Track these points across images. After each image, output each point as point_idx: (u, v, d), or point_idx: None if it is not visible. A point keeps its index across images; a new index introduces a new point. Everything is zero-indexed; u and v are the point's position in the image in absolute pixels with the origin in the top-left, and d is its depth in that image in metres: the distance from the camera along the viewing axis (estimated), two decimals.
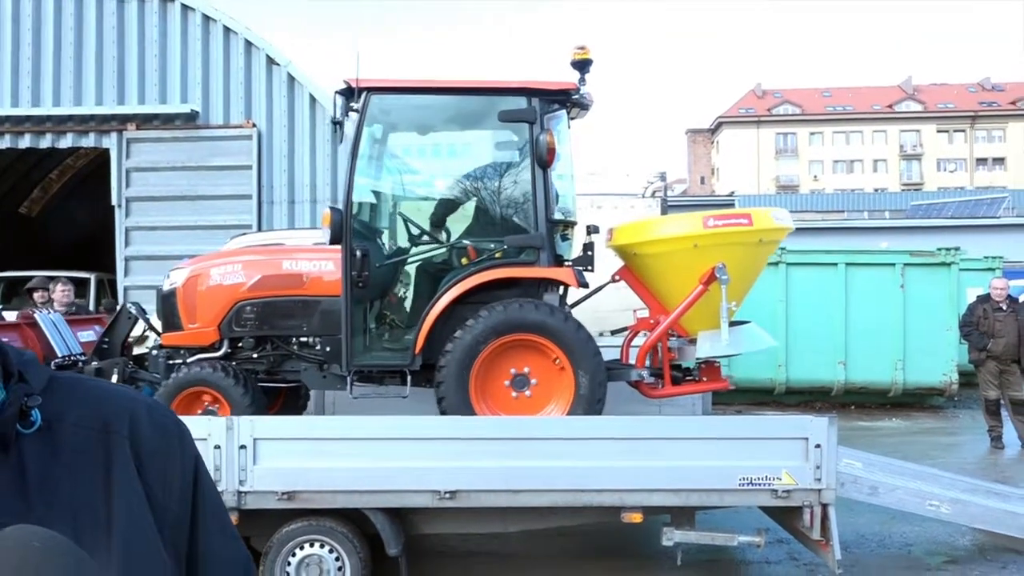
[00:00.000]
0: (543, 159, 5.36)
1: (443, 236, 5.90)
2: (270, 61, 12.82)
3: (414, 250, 5.85)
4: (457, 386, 5.24)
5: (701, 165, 79.93)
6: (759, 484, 4.83)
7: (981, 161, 75.04)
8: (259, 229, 12.20)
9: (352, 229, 5.36)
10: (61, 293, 8.26)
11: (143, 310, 6.37)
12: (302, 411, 6.49)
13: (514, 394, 5.42)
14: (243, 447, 4.78)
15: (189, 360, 5.71)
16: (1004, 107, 75.10)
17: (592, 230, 5.89)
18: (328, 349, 5.58)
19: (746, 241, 5.61)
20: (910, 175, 74.72)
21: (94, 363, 6.11)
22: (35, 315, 6.64)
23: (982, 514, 5.49)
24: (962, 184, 68.21)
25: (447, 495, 4.81)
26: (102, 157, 13.75)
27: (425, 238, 5.84)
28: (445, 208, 6.04)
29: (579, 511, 5.08)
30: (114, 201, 12.80)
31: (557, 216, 5.61)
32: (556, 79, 5.61)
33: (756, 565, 5.97)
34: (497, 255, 5.54)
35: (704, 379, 5.95)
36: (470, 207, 6.05)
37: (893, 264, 11.87)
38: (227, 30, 12.87)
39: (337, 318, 5.45)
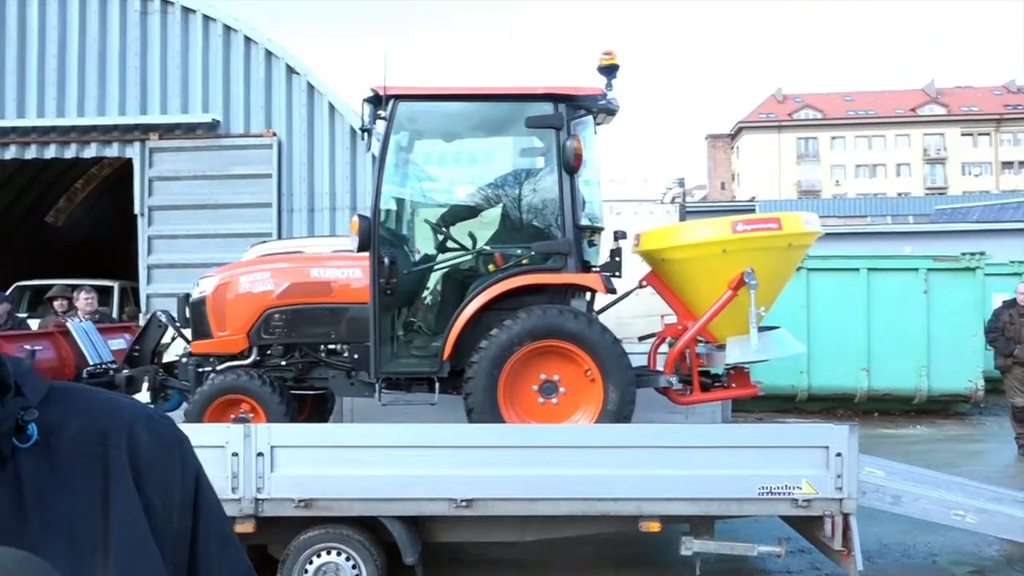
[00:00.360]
0: (570, 165, 5.37)
1: (470, 243, 5.91)
2: (290, 70, 12.93)
3: (441, 257, 5.87)
4: (486, 391, 5.24)
5: (721, 171, 79.54)
6: (779, 493, 4.77)
7: (1007, 164, 74.01)
8: (279, 237, 12.29)
9: (380, 236, 5.40)
10: (84, 301, 8.34)
11: (173, 318, 6.42)
12: (328, 418, 6.52)
13: (541, 400, 5.42)
14: (260, 454, 4.80)
15: (219, 368, 5.75)
16: None
17: (620, 236, 5.87)
18: (356, 356, 5.61)
19: (775, 246, 5.58)
20: (934, 179, 73.87)
21: (125, 371, 6.17)
22: (67, 323, 6.71)
23: (1009, 524, 5.38)
24: (987, 188, 67.30)
25: (464, 503, 4.80)
26: (126, 167, 13.92)
27: (452, 245, 5.86)
28: (472, 215, 6.05)
29: (596, 520, 5.05)
30: (137, 210, 12.95)
31: (584, 222, 5.61)
32: (583, 84, 5.61)
33: (777, 574, 5.90)
34: (524, 261, 5.55)
35: (733, 385, 5.90)
36: (497, 213, 6.06)
37: (916, 269, 11.72)
38: (248, 40, 13.00)
39: (365, 325, 5.48)
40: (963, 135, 74.47)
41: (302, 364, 5.80)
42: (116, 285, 14.44)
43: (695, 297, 5.72)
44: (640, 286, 5.94)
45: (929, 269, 11.65)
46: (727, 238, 5.48)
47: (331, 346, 5.77)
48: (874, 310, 11.61)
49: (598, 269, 5.74)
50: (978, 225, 26.95)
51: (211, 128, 12.93)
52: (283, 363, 5.76)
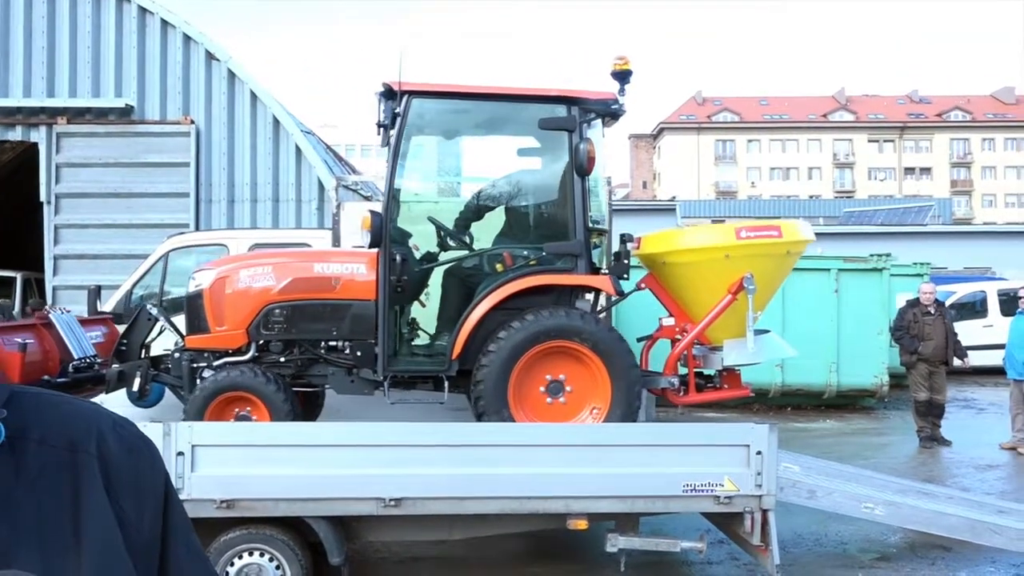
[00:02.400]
0: (583, 167, 5.37)
1: (479, 242, 5.88)
2: (209, 56, 12.54)
3: (450, 255, 5.83)
4: (496, 391, 5.23)
5: (643, 170, 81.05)
6: (702, 491, 4.88)
7: (909, 170, 77.92)
8: (197, 229, 11.92)
9: (391, 233, 5.33)
10: None
11: (164, 311, 6.17)
12: (317, 417, 6.37)
13: (549, 400, 5.44)
14: (180, 454, 4.64)
15: (215, 364, 5.57)
16: (931, 119, 78.16)
17: (627, 239, 5.89)
18: (359, 354, 5.50)
19: (774, 252, 5.77)
20: (843, 183, 77.14)
21: (115, 366, 5.88)
22: (50, 315, 6.26)
23: (913, 515, 5.67)
24: (891, 192, 70.66)
25: (392, 503, 4.75)
26: (30, 151, 13.23)
27: (461, 243, 5.83)
28: (482, 214, 6.02)
29: (525, 518, 5.07)
30: (42, 197, 12.34)
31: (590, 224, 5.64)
32: (594, 88, 5.63)
33: (698, 566, 6.06)
34: (532, 262, 5.55)
35: (725, 386, 6.05)
36: (507, 213, 6.06)
37: (828, 270, 12.20)
38: (165, 23, 12.55)
39: (368, 323, 5.40)
40: (870, 141, 77.99)
41: (301, 361, 5.66)
42: (19, 276, 13.72)
43: (693, 300, 5.85)
44: (638, 288, 6.01)
45: (840, 269, 12.15)
46: (731, 244, 5.64)
47: (332, 343, 5.64)
48: (789, 309, 12.03)
49: (606, 271, 5.77)
50: (883, 228, 28.26)
51: (124, 114, 12.42)
52: (282, 359, 5.60)
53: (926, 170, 77.52)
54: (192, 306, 5.73)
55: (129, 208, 12.26)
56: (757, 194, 72.06)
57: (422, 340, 5.77)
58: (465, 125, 6.22)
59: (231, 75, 12.55)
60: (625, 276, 5.80)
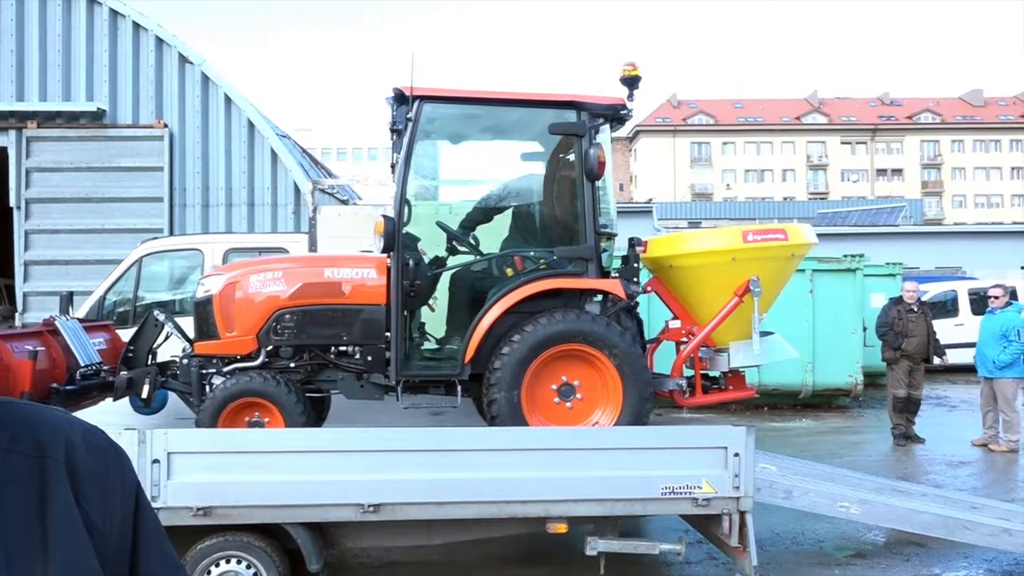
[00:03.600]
0: (593, 172, 5.42)
1: (489, 246, 5.90)
2: (183, 59, 12.42)
3: (461, 260, 5.84)
4: (510, 395, 5.24)
5: (620, 172, 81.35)
6: (681, 493, 4.91)
7: (881, 172, 78.94)
8: (171, 233, 11.80)
9: (403, 238, 5.33)
10: None
11: (171, 317, 6.09)
12: (323, 422, 6.33)
13: (565, 404, 5.47)
14: (156, 461, 4.58)
15: (225, 370, 5.52)
16: (902, 121, 79.28)
17: (636, 243, 5.92)
18: (370, 359, 5.49)
19: (780, 255, 5.84)
20: (816, 185, 77.97)
21: (123, 372, 5.81)
22: (56, 322, 6.15)
23: (888, 513, 5.73)
24: (864, 194, 71.56)
25: (371, 508, 4.72)
26: None
27: (472, 247, 5.84)
28: (491, 217, 6.04)
29: (504, 522, 5.06)
30: (12, 202, 12.16)
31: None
32: (604, 94, 5.67)
33: (677, 566, 6.09)
34: (542, 265, 5.56)
35: (731, 388, 6.12)
36: (517, 218, 6.06)
37: (803, 270, 12.30)
38: (136, 26, 12.41)
39: (379, 327, 5.41)
40: (843, 143, 78.93)
41: (311, 366, 5.63)
42: None
43: (699, 303, 5.90)
44: (643, 291, 6.04)
45: (815, 270, 12.27)
46: (738, 247, 5.70)
47: (342, 348, 5.61)
48: None
49: (616, 275, 5.79)
50: (856, 228, 28.59)
51: (96, 117, 12.28)
52: (292, 365, 5.57)
53: (898, 171, 78.58)
54: (201, 312, 5.68)
55: (101, 213, 12.10)
56: (732, 196, 72.68)
57: (432, 344, 5.78)
58: (475, 129, 6.25)
59: (205, 78, 12.44)
60: (635, 280, 5.85)
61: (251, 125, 12.45)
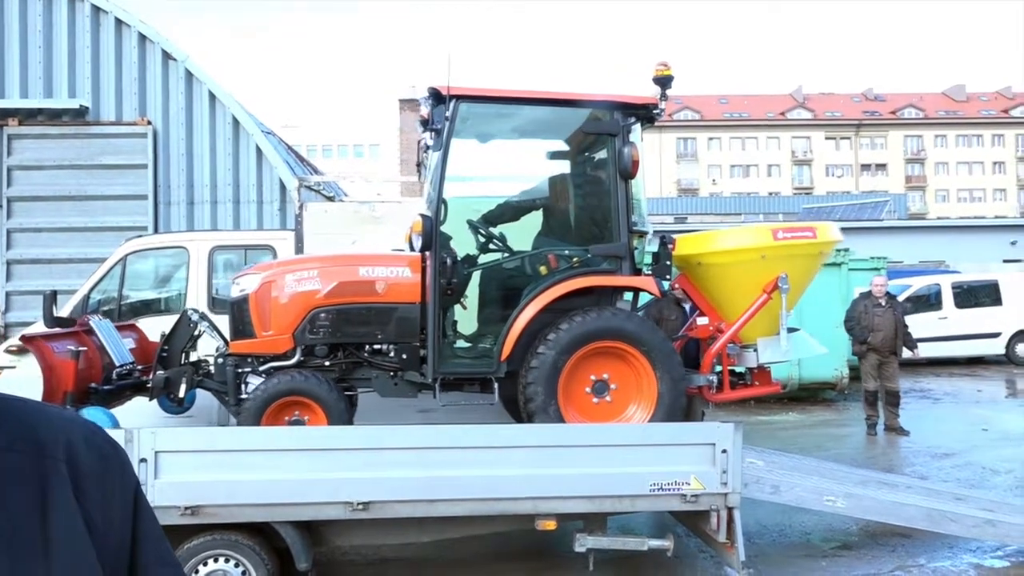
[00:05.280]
0: (627, 171, 5.48)
1: (523, 244, 5.92)
2: (166, 56, 12.32)
3: (496, 257, 5.86)
4: (547, 391, 5.27)
5: None
6: (669, 490, 4.93)
7: (865, 167, 79.43)
8: (155, 231, 11.71)
9: (441, 236, 5.35)
10: None
11: (204, 316, 6.07)
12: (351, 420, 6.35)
13: (596, 400, 5.50)
14: (144, 460, 4.57)
15: (261, 368, 5.54)
16: (885, 116, 79.76)
17: (667, 240, 5.95)
18: (405, 357, 5.51)
19: (808, 253, 5.92)
20: (801, 180, 78.37)
21: (160, 372, 5.80)
22: (90, 321, 6.10)
23: (873, 506, 5.79)
24: (848, 188, 72.03)
25: (360, 506, 4.72)
26: None
27: (506, 246, 5.86)
28: (527, 216, 6.07)
29: (494, 519, 5.08)
30: None
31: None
32: (637, 94, 5.72)
33: (666, 559, 6.12)
34: (575, 261, 5.60)
35: (756, 383, 6.20)
36: (549, 216, 6.09)
37: None
38: (119, 22, 12.30)
39: (413, 325, 5.44)
40: (827, 139, 79.35)
41: (345, 364, 5.64)
42: None
43: (727, 300, 5.96)
44: (672, 289, 6.06)
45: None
46: (768, 245, 5.77)
47: (376, 346, 5.62)
48: None
49: (649, 272, 5.83)
50: (841, 223, 28.65)
51: (79, 115, 12.16)
52: (327, 364, 5.58)
53: (881, 166, 79.10)
54: (237, 311, 5.67)
55: (85, 211, 11.99)
56: (718, 191, 72.93)
57: (465, 342, 5.80)
58: (509, 129, 6.29)
59: (189, 75, 12.34)
60: (667, 277, 5.92)
61: (236, 122, 12.37)
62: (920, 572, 5.81)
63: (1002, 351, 18.25)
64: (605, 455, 4.96)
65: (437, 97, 5.50)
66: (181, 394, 5.78)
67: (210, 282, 8.04)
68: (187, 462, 4.72)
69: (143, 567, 0.93)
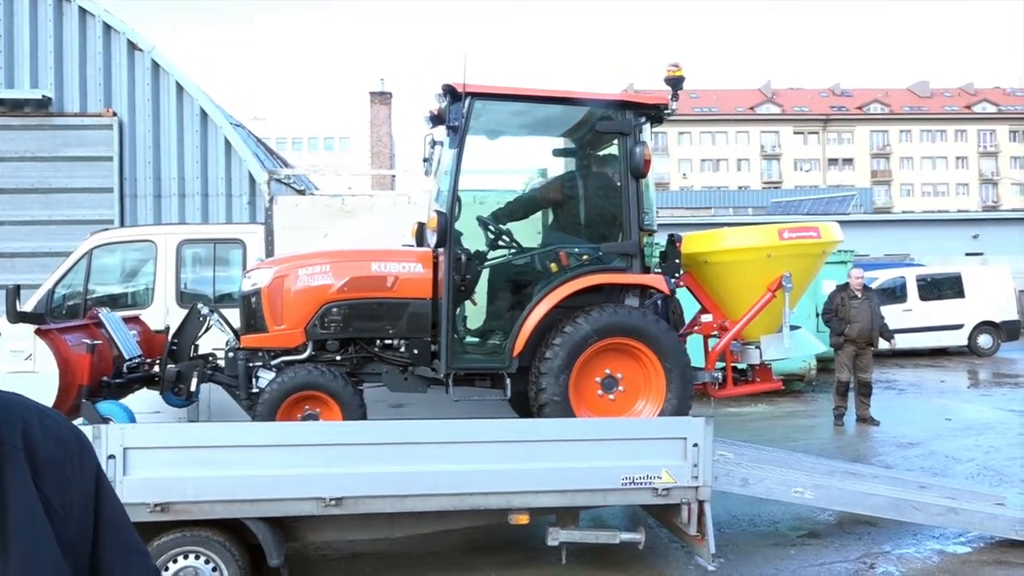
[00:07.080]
0: (639, 170, 5.53)
1: (535, 241, 5.95)
2: (132, 46, 12.11)
3: (507, 254, 5.87)
4: (559, 387, 5.30)
5: None
6: (641, 483, 4.97)
7: (832, 161, 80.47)
8: (122, 224, 11.53)
9: (455, 233, 5.36)
10: None
11: (215, 310, 6.01)
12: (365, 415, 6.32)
13: (610, 397, 5.52)
14: (112, 457, 4.51)
15: (273, 363, 5.52)
16: (852, 111, 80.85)
17: (676, 239, 5.99)
18: (416, 352, 5.53)
19: (812, 252, 6.03)
20: (770, 174, 79.20)
21: (171, 366, 5.77)
22: (99, 314, 6.05)
23: (840, 496, 5.89)
24: (816, 183, 72.90)
25: (332, 502, 4.70)
26: None
27: (517, 242, 5.87)
28: (530, 214, 6.11)
29: (467, 514, 5.09)
30: None
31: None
32: (648, 93, 5.76)
33: (638, 550, 6.17)
34: (584, 258, 5.63)
35: (758, 379, 6.29)
36: (559, 213, 6.12)
37: None
38: (83, 11, 12.06)
39: (424, 321, 5.47)
40: (795, 133, 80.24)
41: (356, 359, 5.63)
42: None
43: (731, 298, 6.04)
44: (676, 286, 6.11)
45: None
46: (773, 244, 5.87)
47: (387, 341, 5.62)
48: None
49: (659, 270, 5.85)
50: (809, 217, 29.08)
51: (41, 105, 11.91)
52: (338, 358, 5.57)
53: (848, 161, 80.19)
54: (248, 305, 5.65)
55: (48, 204, 11.76)
56: (688, 185, 73.43)
57: (477, 338, 5.82)
58: (522, 126, 6.31)
59: (155, 66, 12.14)
60: (676, 275, 5.96)
61: (204, 114, 12.20)
62: (886, 559, 5.93)
63: (965, 342, 18.65)
64: (577, 450, 4.99)
65: (452, 94, 5.50)
66: (192, 388, 5.77)
67: (178, 276, 7.94)
68: (156, 458, 4.67)
69: (107, 553, 0.92)
